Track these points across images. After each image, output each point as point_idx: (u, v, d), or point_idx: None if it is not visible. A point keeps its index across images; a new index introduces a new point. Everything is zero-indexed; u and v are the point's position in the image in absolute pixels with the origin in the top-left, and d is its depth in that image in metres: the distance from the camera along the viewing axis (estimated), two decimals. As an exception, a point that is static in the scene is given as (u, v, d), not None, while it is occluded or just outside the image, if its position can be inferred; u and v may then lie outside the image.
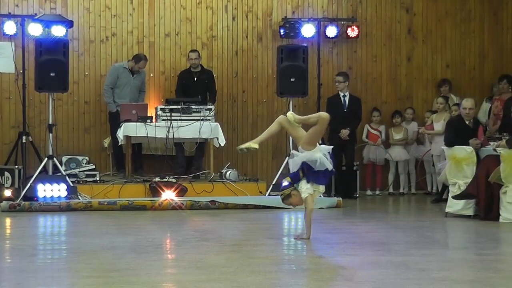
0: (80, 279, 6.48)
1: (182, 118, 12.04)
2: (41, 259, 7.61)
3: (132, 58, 12.68)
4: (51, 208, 10.85)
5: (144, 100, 12.72)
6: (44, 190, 11.15)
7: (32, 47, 12.22)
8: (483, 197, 9.98)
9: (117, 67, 12.66)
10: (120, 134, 11.87)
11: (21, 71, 12.27)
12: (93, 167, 12.41)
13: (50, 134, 11.64)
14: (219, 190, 11.70)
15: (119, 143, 12.12)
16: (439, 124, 12.49)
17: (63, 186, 11.21)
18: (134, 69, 12.55)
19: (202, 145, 12.43)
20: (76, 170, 12.13)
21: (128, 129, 11.87)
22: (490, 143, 10.43)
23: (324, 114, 8.31)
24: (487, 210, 10.01)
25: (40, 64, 11.46)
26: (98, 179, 12.03)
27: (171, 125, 11.90)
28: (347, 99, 12.82)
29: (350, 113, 12.82)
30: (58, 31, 11.86)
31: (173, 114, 12.03)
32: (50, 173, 11.56)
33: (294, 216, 10.60)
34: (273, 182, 11.91)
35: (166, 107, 12.12)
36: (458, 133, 10.52)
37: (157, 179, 11.62)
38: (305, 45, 12.44)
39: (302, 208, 8.36)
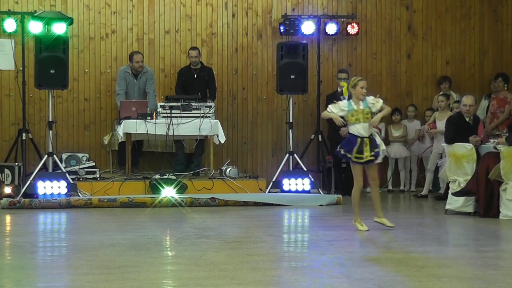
0: (80, 276, 6.48)
1: (182, 115, 12.04)
2: (41, 256, 7.62)
3: None
4: (51, 205, 10.85)
5: (155, 102, 12.49)
6: (44, 187, 11.16)
7: (32, 44, 12.23)
8: (483, 194, 9.98)
9: (121, 70, 12.62)
10: (120, 131, 11.87)
11: (21, 68, 12.29)
12: (93, 164, 12.40)
13: (50, 131, 11.64)
14: (219, 187, 11.71)
15: (119, 140, 12.11)
16: (441, 122, 12.48)
17: (63, 183, 11.22)
18: (135, 68, 12.51)
19: (202, 142, 12.43)
20: (76, 167, 12.13)
21: (128, 126, 11.86)
22: (489, 140, 10.44)
23: None
24: (487, 207, 10.01)
25: (40, 61, 11.46)
26: (98, 176, 12.03)
27: (171, 122, 11.90)
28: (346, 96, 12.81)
29: (349, 111, 12.82)
30: (58, 28, 11.86)
31: (173, 111, 12.03)
32: (50, 170, 11.56)
33: (294, 213, 10.61)
34: (273, 179, 11.92)
35: (166, 104, 12.12)
36: (458, 130, 10.52)
37: (157, 176, 11.62)
38: (305, 42, 12.44)
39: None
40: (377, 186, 9.13)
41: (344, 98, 8.99)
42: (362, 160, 8.74)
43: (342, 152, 8.81)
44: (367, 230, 8.76)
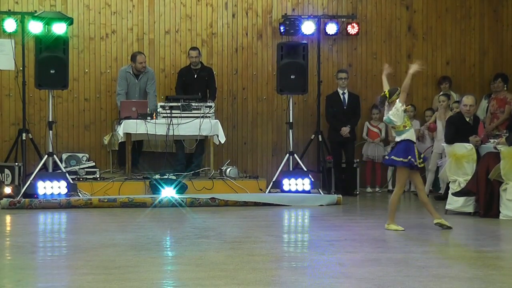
0: (80, 276, 6.48)
1: (182, 115, 12.04)
2: (41, 256, 7.61)
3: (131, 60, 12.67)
4: (51, 205, 10.85)
5: (156, 102, 12.47)
6: (44, 187, 11.15)
7: (32, 44, 12.23)
8: (483, 194, 9.98)
9: (122, 70, 12.61)
10: (120, 131, 11.87)
11: (21, 68, 12.29)
12: (93, 164, 12.40)
13: (50, 131, 11.64)
14: (219, 187, 11.71)
15: (119, 140, 12.11)
16: (442, 122, 12.48)
17: (63, 183, 11.21)
18: (138, 69, 12.49)
19: (202, 142, 12.42)
20: (76, 167, 12.13)
21: (128, 126, 11.86)
22: (490, 140, 10.44)
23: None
24: (487, 207, 10.01)
25: (40, 61, 11.46)
26: (98, 176, 12.03)
27: (171, 122, 11.90)
28: (346, 96, 12.83)
29: (349, 110, 12.83)
30: (58, 28, 11.85)
31: (173, 111, 12.03)
32: (50, 170, 11.56)
33: (294, 213, 10.60)
34: (273, 179, 11.92)
35: (166, 104, 12.12)
36: (458, 130, 10.53)
37: (157, 176, 11.62)
38: (305, 42, 12.44)
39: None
40: (424, 191, 9.23)
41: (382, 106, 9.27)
42: (422, 165, 8.93)
43: (409, 159, 8.69)
44: (403, 230, 8.79)
